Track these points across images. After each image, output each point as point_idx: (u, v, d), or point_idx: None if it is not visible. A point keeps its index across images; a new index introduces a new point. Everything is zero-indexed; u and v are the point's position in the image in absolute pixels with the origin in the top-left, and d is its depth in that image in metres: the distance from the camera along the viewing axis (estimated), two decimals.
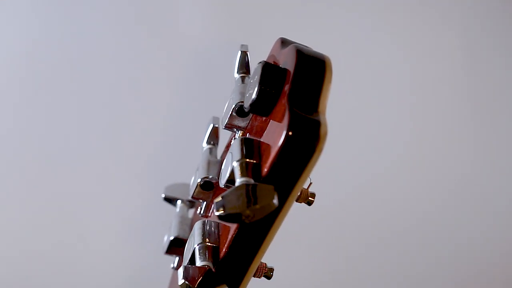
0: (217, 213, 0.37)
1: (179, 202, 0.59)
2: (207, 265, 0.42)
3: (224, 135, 0.53)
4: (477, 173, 0.93)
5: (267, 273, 0.47)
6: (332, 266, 0.92)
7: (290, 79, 0.39)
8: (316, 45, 0.86)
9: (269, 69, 0.41)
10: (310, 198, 0.44)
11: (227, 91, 0.55)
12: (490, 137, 0.92)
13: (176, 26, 0.86)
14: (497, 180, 0.93)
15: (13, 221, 0.87)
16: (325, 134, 0.38)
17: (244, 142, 0.40)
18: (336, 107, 0.39)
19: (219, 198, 0.37)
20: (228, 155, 0.41)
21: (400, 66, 0.90)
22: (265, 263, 0.47)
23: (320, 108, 0.39)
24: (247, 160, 0.39)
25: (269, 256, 0.47)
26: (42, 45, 0.86)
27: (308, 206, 0.44)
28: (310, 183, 0.44)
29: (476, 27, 0.90)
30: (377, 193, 0.91)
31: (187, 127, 0.85)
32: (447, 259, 0.93)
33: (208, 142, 0.53)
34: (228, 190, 0.37)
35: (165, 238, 0.56)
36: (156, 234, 0.65)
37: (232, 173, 0.40)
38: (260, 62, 0.42)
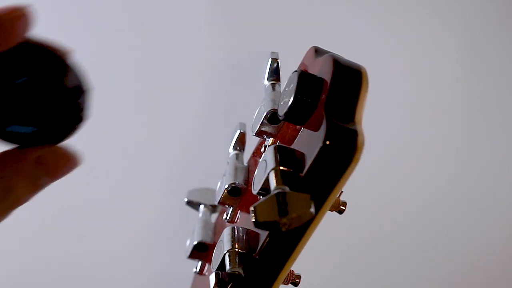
0: (253, 220, 0.37)
1: (201, 206, 0.59)
2: (238, 271, 0.43)
3: (249, 141, 0.54)
4: (477, 172, 0.93)
5: (294, 280, 0.47)
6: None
7: (327, 89, 0.40)
8: (314, 44, 0.86)
9: (306, 78, 0.41)
10: (341, 207, 0.44)
11: (252, 97, 0.55)
12: (491, 137, 0.92)
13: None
14: (498, 179, 0.93)
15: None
16: (363, 144, 0.38)
17: (279, 150, 0.40)
18: None
19: (254, 207, 0.37)
20: (262, 162, 0.41)
21: (399, 66, 0.90)
22: (292, 270, 0.47)
23: (357, 118, 0.39)
24: (282, 168, 0.39)
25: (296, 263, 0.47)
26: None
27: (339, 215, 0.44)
28: (341, 192, 0.44)
29: (474, 27, 0.90)
30: (378, 195, 0.92)
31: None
32: (451, 259, 0.94)
33: (234, 148, 0.54)
34: (264, 198, 0.37)
35: (188, 242, 0.56)
36: (178, 238, 0.65)
37: (266, 180, 0.40)
38: (295, 71, 0.42)
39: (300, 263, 0.49)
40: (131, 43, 0.86)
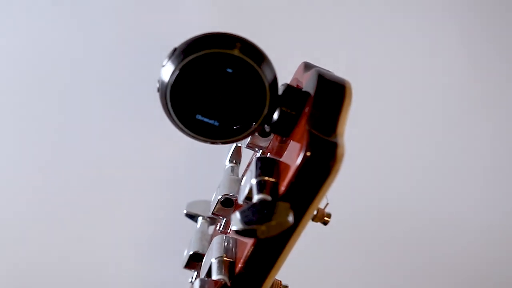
0: (233, 228, 0.38)
1: (200, 218, 0.60)
2: (223, 279, 0.44)
3: (246, 154, 0.55)
4: (478, 172, 0.93)
5: None
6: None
7: (311, 102, 0.41)
8: (315, 45, 0.87)
9: (291, 92, 0.42)
10: (326, 218, 0.45)
11: None
12: (492, 137, 0.92)
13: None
14: (498, 179, 0.93)
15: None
16: (342, 155, 0.39)
17: (263, 160, 0.41)
18: None
19: (236, 213, 0.38)
20: (248, 172, 0.43)
21: (400, 66, 0.91)
22: (280, 281, 0.48)
23: (339, 131, 0.40)
24: (265, 178, 0.40)
25: (285, 274, 0.48)
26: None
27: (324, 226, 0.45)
28: (327, 204, 0.45)
29: (476, 25, 0.90)
30: (378, 196, 0.92)
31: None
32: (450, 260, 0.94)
33: (230, 161, 0.55)
34: (245, 206, 0.39)
35: (185, 252, 0.57)
36: (177, 248, 0.66)
37: (250, 190, 0.41)
38: (282, 84, 0.43)
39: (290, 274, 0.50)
40: (132, 44, 0.87)
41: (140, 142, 0.88)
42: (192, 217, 0.61)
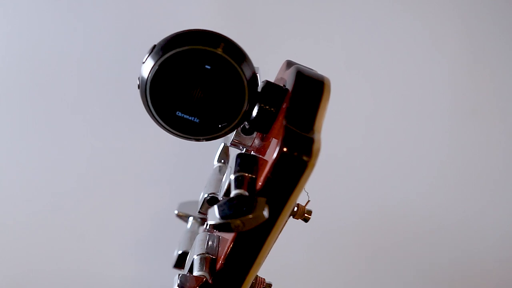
0: (209, 222, 0.38)
1: (191, 218, 0.61)
2: (204, 275, 0.44)
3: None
4: (477, 172, 0.92)
5: None
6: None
7: (288, 98, 0.41)
8: (315, 44, 0.86)
9: (270, 88, 0.42)
10: (306, 215, 0.45)
11: None
12: (490, 136, 0.92)
13: None
14: (496, 179, 0.92)
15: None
16: (318, 151, 0.39)
17: (242, 157, 0.42)
18: (337, 106, 0.40)
19: (213, 207, 0.39)
20: (228, 169, 0.43)
21: (400, 65, 0.90)
22: (263, 278, 0.48)
23: (316, 127, 0.40)
24: (243, 173, 0.41)
25: (269, 272, 0.48)
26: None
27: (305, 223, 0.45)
28: (308, 201, 0.45)
29: (477, 24, 0.90)
30: (375, 196, 0.92)
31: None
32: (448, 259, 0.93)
33: (218, 160, 0.55)
34: (222, 201, 0.39)
35: (175, 252, 0.57)
36: (168, 249, 0.67)
37: (229, 186, 0.41)
38: (262, 81, 0.43)
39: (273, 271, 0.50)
40: (133, 43, 0.88)
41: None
42: (183, 217, 0.61)
